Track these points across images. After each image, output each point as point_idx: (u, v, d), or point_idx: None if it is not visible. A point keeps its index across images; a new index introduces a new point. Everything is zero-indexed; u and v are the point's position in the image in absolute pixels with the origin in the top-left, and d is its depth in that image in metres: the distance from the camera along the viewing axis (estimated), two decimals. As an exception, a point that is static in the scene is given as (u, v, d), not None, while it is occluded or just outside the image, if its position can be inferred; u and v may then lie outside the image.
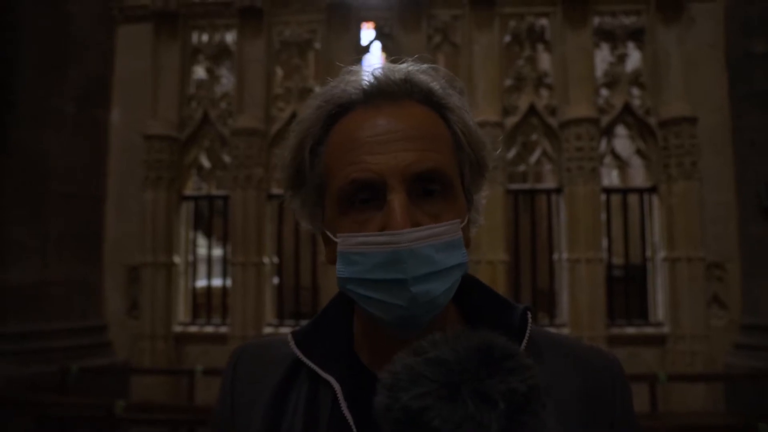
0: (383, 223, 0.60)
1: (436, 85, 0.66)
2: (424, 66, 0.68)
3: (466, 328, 0.53)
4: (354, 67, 0.68)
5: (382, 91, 0.64)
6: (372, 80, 0.65)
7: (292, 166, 0.69)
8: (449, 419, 0.46)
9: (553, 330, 0.79)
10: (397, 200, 0.59)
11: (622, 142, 5.87)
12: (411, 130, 0.62)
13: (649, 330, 5.51)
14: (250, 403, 0.71)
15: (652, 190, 5.64)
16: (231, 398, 0.75)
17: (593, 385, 0.67)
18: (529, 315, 0.68)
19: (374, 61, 6.56)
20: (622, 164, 6.01)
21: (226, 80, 6.31)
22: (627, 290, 5.75)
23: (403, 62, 0.68)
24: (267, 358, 0.75)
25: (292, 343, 0.71)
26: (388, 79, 0.65)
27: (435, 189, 0.62)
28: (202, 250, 6.52)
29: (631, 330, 5.52)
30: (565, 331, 5.40)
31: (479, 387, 0.47)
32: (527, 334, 0.66)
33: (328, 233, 0.66)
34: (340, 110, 0.66)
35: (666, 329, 5.41)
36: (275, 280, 6.15)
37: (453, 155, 0.65)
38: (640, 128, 5.62)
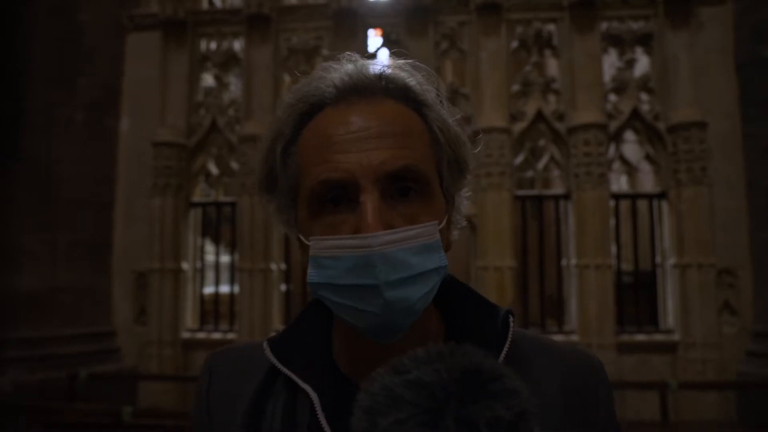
0: (356, 225, 0.57)
1: (412, 81, 0.63)
2: (402, 61, 0.65)
3: (451, 344, 0.49)
4: (330, 63, 0.65)
5: (356, 88, 0.61)
6: (345, 77, 0.62)
7: (265, 167, 0.66)
8: None
9: (540, 333, 0.77)
10: (369, 201, 0.56)
11: (631, 147, 5.83)
12: (384, 126, 0.59)
13: (659, 337, 5.45)
14: (228, 412, 0.69)
15: (662, 195, 5.59)
16: (207, 405, 0.72)
17: (575, 386, 0.65)
18: (511, 318, 0.65)
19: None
20: (630, 170, 5.96)
21: (234, 87, 6.35)
22: (637, 297, 5.69)
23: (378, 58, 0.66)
24: (243, 364, 0.71)
25: (267, 350, 0.67)
26: (361, 75, 0.62)
27: (410, 188, 0.59)
28: (210, 257, 6.54)
29: (641, 337, 5.46)
30: (574, 338, 5.36)
31: (462, 413, 0.43)
32: (508, 339, 0.63)
33: (301, 237, 0.63)
34: (313, 108, 0.63)
35: (676, 336, 5.34)
36: (284, 287, 6.15)
37: (430, 153, 0.62)
38: (649, 133, 5.58)
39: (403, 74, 0.64)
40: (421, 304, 0.58)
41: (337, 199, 0.59)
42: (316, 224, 0.60)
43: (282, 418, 0.65)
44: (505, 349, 0.62)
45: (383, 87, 0.62)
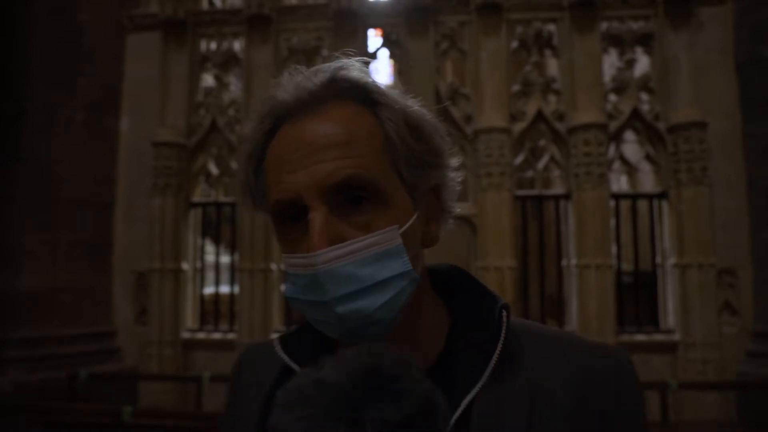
0: (308, 244, 0.57)
1: (362, 80, 0.62)
2: (354, 61, 0.64)
3: (369, 345, 0.50)
4: (286, 76, 0.64)
5: (305, 101, 0.61)
6: (294, 91, 0.61)
7: (245, 185, 0.66)
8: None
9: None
10: (316, 218, 0.56)
11: (631, 147, 5.83)
12: (327, 138, 0.58)
13: (659, 337, 5.45)
14: (250, 405, 0.71)
15: (662, 195, 5.59)
16: (234, 398, 0.75)
17: (589, 389, 0.60)
18: (505, 313, 0.63)
19: (380, 67, 6.60)
20: (631, 170, 5.96)
21: (234, 87, 6.35)
22: (637, 297, 5.69)
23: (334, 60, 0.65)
24: (263, 361, 0.73)
25: (278, 347, 0.70)
26: (310, 85, 0.61)
27: (361, 197, 0.58)
28: (210, 257, 6.54)
29: (641, 337, 5.46)
30: (575, 338, 5.35)
31: (353, 415, 0.45)
32: (501, 338, 0.61)
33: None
34: (273, 126, 0.63)
35: (677, 336, 5.34)
36: (284, 288, 6.14)
37: (381, 153, 0.59)
38: (649, 133, 5.58)
39: (352, 74, 0.62)
40: (384, 313, 0.57)
41: (295, 217, 0.59)
42: (282, 241, 0.62)
43: None
44: (498, 347, 0.60)
45: (334, 91, 0.61)
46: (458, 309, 0.67)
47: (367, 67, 0.64)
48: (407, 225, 0.59)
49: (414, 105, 0.64)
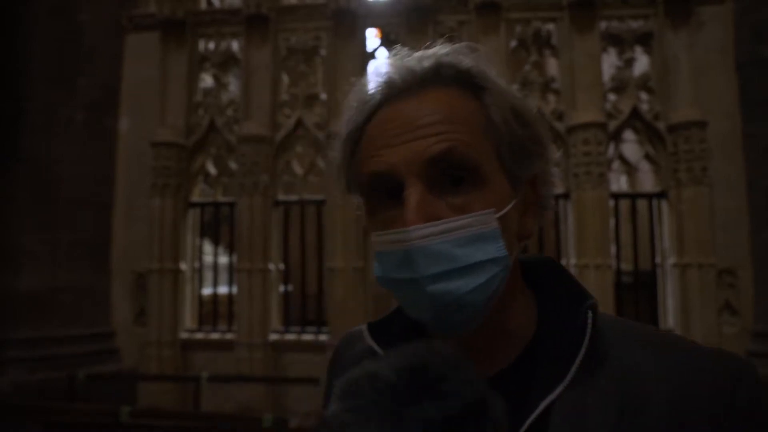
0: (402, 220, 0.56)
1: (467, 64, 0.61)
2: (458, 45, 0.63)
3: (428, 342, 0.49)
4: (386, 61, 0.65)
5: (406, 84, 0.61)
6: (397, 77, 0.62)
7: (341, 168, 0.67)
8: None
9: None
10: (412, 194, 0.55)
11: (631, 147, 5.81)
12: (428, 116, 0.58)
13: (659, 337, 5.43)
14: None
15: (662, 195, 5.57)
16: (330, 384, 0.77)
17: (693, 399, 0.54)
18: (590, 313, 0.59)
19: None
20: (630, 169, 5.95)
21: (233, 87, 6.35)
22: (637, 297, 5.68)
23: (434, 45, 0.64)
24: (358, 346, 0.73)
25: (366, 333, 0.70)
26: (414, 72, 0.61)
27: (459, 175, 0.57)
28: (209, 258, 6.54)
29: (640, 337, 5.44)
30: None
31: (400, 411, 0.45)
32: (586, 339, 0.57)
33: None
34: (372, 109, 0.63)
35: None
36: (288, 288, 6.15)
37: (482, 135, 0.58)
38: (649, 133, 5.56)
39: (454, 59, 0.62)
40: (477, 297, 0.55)
41: (392, 193, 0.58)
42: (373, 221, 0.61)
43: None
44: (584, 347, 0.57)
45: (436, 78, 0.61)
46: (545, 305, 0.65)
47: (473, 53, 0.63)
48: (505, 210, 0.58)
49: (518, 94, 0.63)
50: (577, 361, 0.56)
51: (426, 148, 0.56)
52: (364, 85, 0.64)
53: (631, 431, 0.53)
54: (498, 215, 0.57)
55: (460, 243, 0.55)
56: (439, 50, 0.63)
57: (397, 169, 0.57)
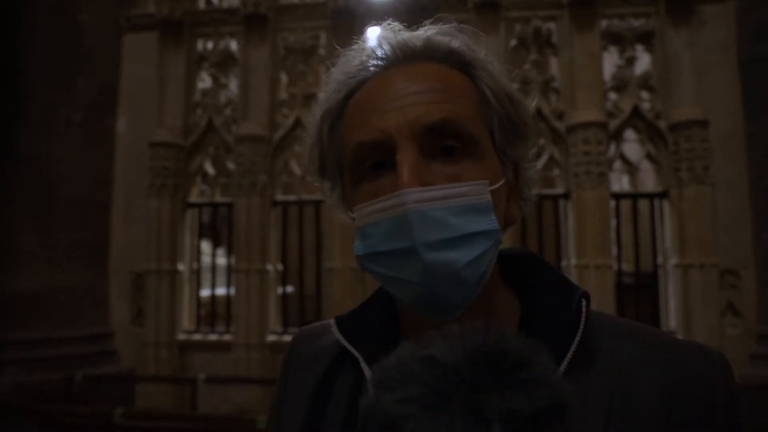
0: (394, 186, 0.53)
1: (457, 43, 0.61)
2: (447, 26, 0.63)
3: (485, 322, 0.43)
4: (373, 33, 0.64)
5: (397, 57, 0.60)
6: (388, 50, 0.61)
7: (315, 146, 0.64)
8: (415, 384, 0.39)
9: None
10: (405, 158, 0.53)
11: (632, 146, 5.76)
12: (423, 83, 0.56)
13: (660, 339, 5.37)
14: (299, 388, 0.69)
15: (663, 195, 5.52)
16: (284, 381, 0.73)
17: (679, 390, 0.54)
18: (584, 303, 0.58)
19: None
20: (631, 169, 5.89)
21: (232, 87, 6.33)
22: (638, 298, 5.62)
23: (422, 26, 0.63)
24: (319, 342, 0.71)
25: (334, 328, 0.66)
26: (406, 46, 0.60)
27: (453, 145, 0.54)
28: (207, 258, 6.53)
29: (642, 339, 5.38)
30: (574, 339, 5.29)
31: (474, 401, 0.37)
32: (580, 328, 0.56)
33: (349, 213, 0.60)
34: (358, 84, 0.61)
35: (678, 338, 5.25)
36: (287, 289, 6.13)
37: (477, 110, 0.57)
38: (650, 132, 5.51)
39: (446, 38, 0.61)
40: (471, 273, 0.52)
41: (378, 165, 0.56)
42: (358, 193, 0.58)
43: (348, 396, 0.63)
44: (577, 338, 0.55)
45: (428, 54, 0.60)
46: (530, 297, 0.62)
47: (462, 33, 0.62)
48: (497, 185, 0.56)
49: (504, 75, 0.62)
50: (571, 352, 0.54)
51: (421, 115, 0.54)
52: (351, 58, 0.62)
53: (622, 424, 0.52)
54: (493, 188, 0.55)
55: (456, 211, 0.52)
56: (429, 30, 0.62)
57: (390, 135, 0.54)
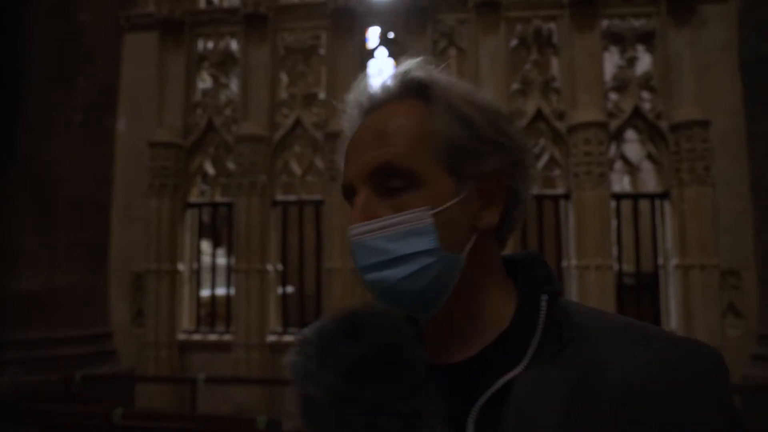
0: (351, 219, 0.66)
1: (417, 77, 0.68)
2: (416, 60, 0.70)
3: (370, 304, 0.64)
4: (356, 86, 0.71)
5: (371, 105, 0.69)
6: (361, 98, 0.70)
7: (340, 177, 0.77)
8: (298, 372, 0.61)
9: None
10: (358, 199, 0.65)
11: (633, 146, 5.74)
12: (375, 131, 0.66)
13: (661, 340, 5.35)
14: None
15: (664, 195, 5.50)
16: None
17: (653, 378, 0.55)
18: (544, 297, 0.65)
19: (381, 66, 6.56)
20: (632, 169, 5.87)
21: (232, 87, 6.32)
22: (638, 298, 5.60)
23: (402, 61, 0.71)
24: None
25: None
26: (371, 91, 0.70)
27: (396, 185, 0.63)
28: (207, 258, 6.52)
29: (643, 339, 5.36)
30: (575, 340, 5.28)
31: (329, 349, 0.60)
32: (539, 322, 0.63)
33: None
34: (351, 133, 0.71)
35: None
36: (288, 289, 6.11)
37: (420, 142, 0.64)
38: (651, 132, 5.50)
39: (412, 74, 0.68)
40: (410, 285, 0.62)
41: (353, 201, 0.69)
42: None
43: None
44: (538, 331, 0.62)
45: (396, 92, 0.68)
46: (521, 294, 0.69)
47: (428, 65, 0.69)
48: (440, 208, 0.63)
49: (473, 96, 0.67)
50: (533, 343, 0.61)
51: (368, 162, 0.65)
52: (352, 100, 0.72)
53: (584, 412, 0.55)
54: (434, 212, 0.62)
55: (393, 238, 0.62)
56: (401, 67, 0.70)
57: (350, 180, 0.67)
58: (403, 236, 0.62)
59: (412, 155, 0.63)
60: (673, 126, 5.36)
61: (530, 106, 5.60)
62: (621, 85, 5.58)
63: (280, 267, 5.97)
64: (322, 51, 5.96)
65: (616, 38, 5.65)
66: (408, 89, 0.68)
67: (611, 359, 0.58)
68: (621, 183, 6.87)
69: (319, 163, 5.88)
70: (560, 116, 5.57)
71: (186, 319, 5.96)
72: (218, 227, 6.52)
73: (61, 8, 5.63)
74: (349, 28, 5.88)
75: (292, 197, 6.04)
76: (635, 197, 5.87)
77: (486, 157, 0.65)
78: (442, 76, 0.68)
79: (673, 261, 5.37)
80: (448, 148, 0.64)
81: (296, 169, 6.00)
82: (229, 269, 6.07)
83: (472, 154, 0.65)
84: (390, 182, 0.64)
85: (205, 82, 6.26)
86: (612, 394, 0.55)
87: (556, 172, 5.73)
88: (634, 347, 0.59)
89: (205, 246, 6.77)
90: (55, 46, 5.55)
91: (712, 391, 0.56)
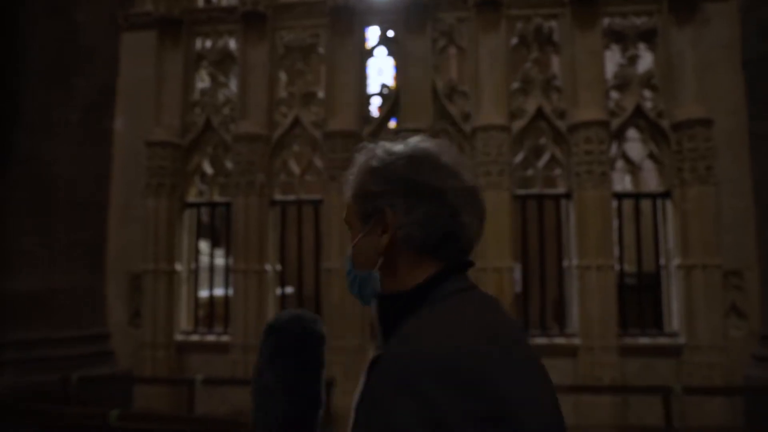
0: None
1: (352, 184, 0.91)
2: (368, 149, 0.92)
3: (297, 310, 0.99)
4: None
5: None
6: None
7: None
8: (263, 349, 0.93)
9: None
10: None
11: (634, 145, 5.69)
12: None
13: (663, 340, 5.31)
14: None
15: (666, 195, 5.45)
16: None
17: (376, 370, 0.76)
18: (373, 302, 0.89)
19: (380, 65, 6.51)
20: (634, 168, 5.82)
21: (231, 86, 6.29)
22: (640, 299, 5.56)
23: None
24: None
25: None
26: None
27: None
28: (205, 258, 6.48)
29: (644, 340, 5.32)
30: (576, 341, 5.24)
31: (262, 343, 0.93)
32: (380, 327, 0.87)
33: None
34: None
35: (681, 340, 5.20)
36: (287, 290, 6.07)
37: (351, 210, 0.92)
38: (653, 131, 5.45)
39: (349, 180, 0.92)
40: (351, 290, 0.93)
41: None
42: None
43: None
44: (379, 336, 0.86)
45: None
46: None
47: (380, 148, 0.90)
48: (354, 241, 0.91)
49: (382, 154, 0.88)
50: (379, 335, 0.86)
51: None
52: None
53: (363, 392, 0.78)
54: (352, 244, 0.91)
55: (347, 263, 0.93)
56: (350, 171, 0.93)
57: None
58: (347, 261, 0.93)
59: (348, 212, 0.92)
60: (675, 125, 5.31)
61: (531, 105, 5.55)
62: (622, 84, 5.54)
63: (278, 267, 5.93)
64: (321, 49, 5.93)
65: (617, 36, 5.61)
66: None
67: (390, 350, 0.76)
68: (622, 182, 6.81)
69: (318, 162, 5.83)
70: (561, 115, 5.52)
71: (184, 319, 5.93)
72: (217, 227, 6.47)
73: (59, 8, 5.60)
74: (349, 26, 5.85)
75: (290, 197, 5.99)
76: (637, 197, 5.81)
77: (368, 202, 0.87)
78: (356, 176, 0.90)
79: (675, 261, 5.32)
80: (356, 201, 0.90)
81: (295, 168, 5.96)
82: (228, 269, 6.03)
83: (360, 202, 0.89)
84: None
85: (203, 80, 6.23)
86: (367, 382, 0.79)
87: (557, 171, 5.68)
88: (400, 339, 0.78)
89: (204, 246, 6.71)
90: (53, 45, 5.52)
91: (382, 384, 0.74)
